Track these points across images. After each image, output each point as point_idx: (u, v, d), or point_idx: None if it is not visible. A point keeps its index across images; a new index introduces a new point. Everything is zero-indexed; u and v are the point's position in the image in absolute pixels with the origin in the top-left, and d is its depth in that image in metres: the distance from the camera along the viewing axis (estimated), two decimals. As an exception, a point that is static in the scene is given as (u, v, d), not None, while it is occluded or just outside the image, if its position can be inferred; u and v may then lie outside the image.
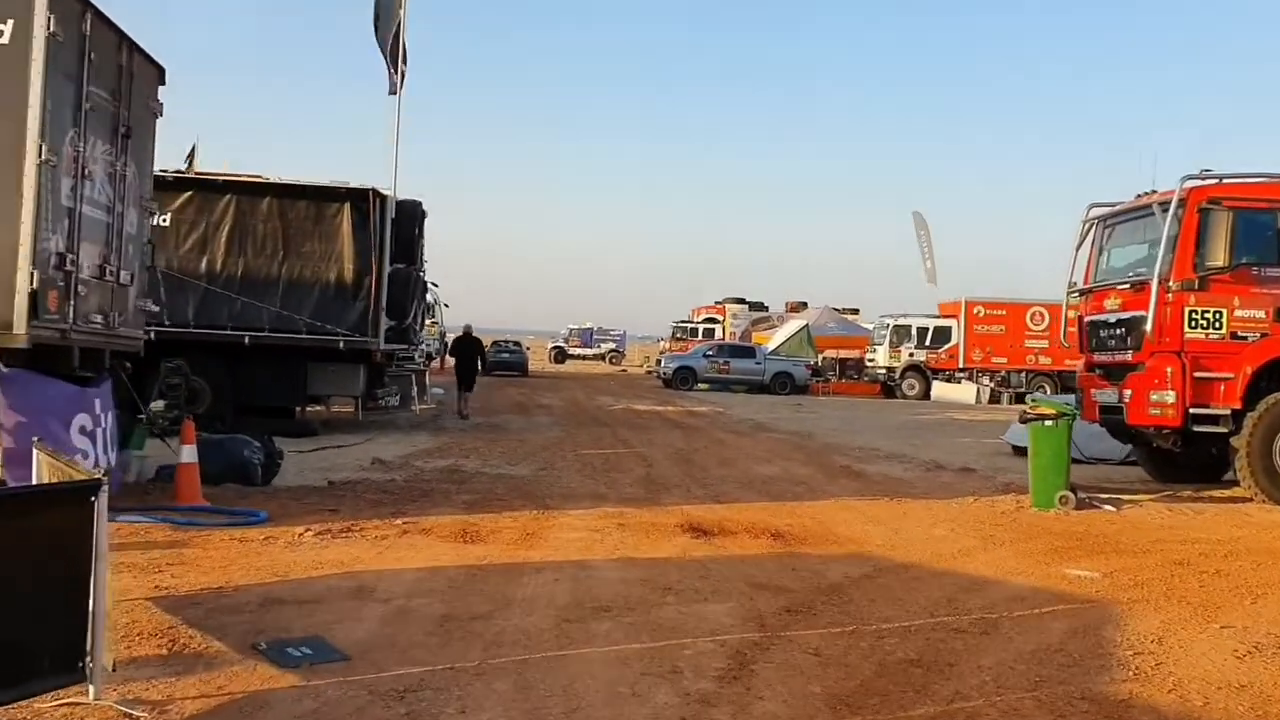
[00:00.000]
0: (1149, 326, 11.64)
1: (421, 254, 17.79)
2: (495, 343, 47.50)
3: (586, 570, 7.05)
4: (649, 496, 10.96)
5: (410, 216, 17.04)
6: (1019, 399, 34.41)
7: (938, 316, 38.92)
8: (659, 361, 45.59)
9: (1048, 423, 11.08)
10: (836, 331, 45.65)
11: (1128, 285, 12.47)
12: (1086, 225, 13.57)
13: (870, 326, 43.89)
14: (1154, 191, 12.36)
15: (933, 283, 47.16)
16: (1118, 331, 12.57)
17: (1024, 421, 11.48)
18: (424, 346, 25.21)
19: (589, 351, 71.46)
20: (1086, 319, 13.43)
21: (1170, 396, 11.55)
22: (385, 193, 16.21)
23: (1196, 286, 11.57)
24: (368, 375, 16.21)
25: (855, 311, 52.13)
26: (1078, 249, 13.70)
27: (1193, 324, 11.57)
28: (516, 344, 49.83)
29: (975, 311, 37.01)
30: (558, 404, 27.59)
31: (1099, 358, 13.12)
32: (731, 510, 10.06)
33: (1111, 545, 8.84)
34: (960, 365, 37.10)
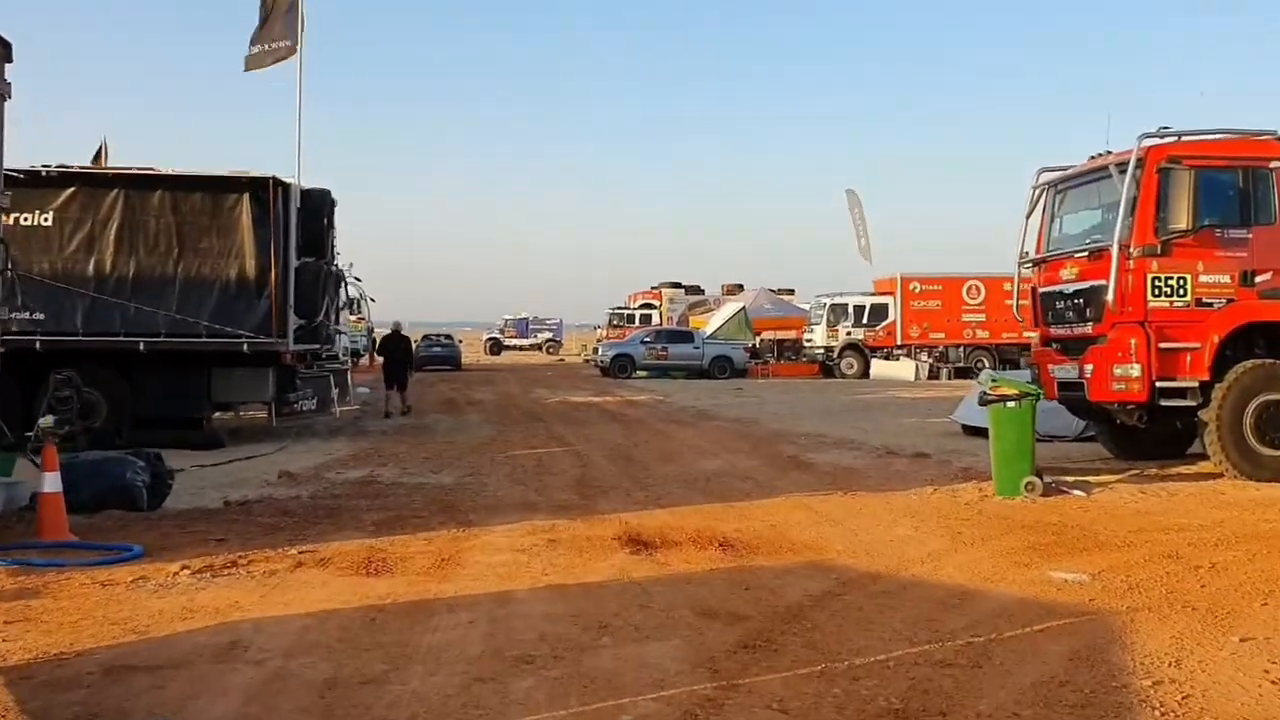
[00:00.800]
0: (1110, 296, 10.90)
1: (332, 246, 16.56)
2: (425, 336, 46.14)
3: (508, 606, 6.04)
4: (584, 503, 9.98)
5: (318, 206, 15.83)
6: (958, 374, 34.06)
7: (874, 294, 38.44)
8: (596, 350, 44.52)
9: (1010, 404, 10.28)
10: (773, 313, 44.99)
11: (1085, 253, 11.72)
12: (1037, 191, 12.79)
13: (806, 306, 43.32)
14: (1109, 152, 11.61)
15: (867, 260, 46.76)
16: (1076, 303, 11.82)
17: (984, 403, 10.64)
18: (348, 343, 24.00)
19: (525, 342, 70.12)
20: (1040, 291, 12.67)
21: (1135, 370, 10.82)
22: (288, 181, 14.97)
23: (1159, 252, 10.83)
24: (278, 378, 14.98)
25: (791, 292, 51.56)
26: (1028, 217, 12.93)
27: (1156, 292, 10.84)
28: (448, 337, 48.52)
29: (911, 287, 36.58)
30: (490, 399, 26.47)
31: (1056, 331, 12.37)
32: (675, 515, 9.11)
33: (1091, 539, 8.04)
34: (898, 342, 36.68)
